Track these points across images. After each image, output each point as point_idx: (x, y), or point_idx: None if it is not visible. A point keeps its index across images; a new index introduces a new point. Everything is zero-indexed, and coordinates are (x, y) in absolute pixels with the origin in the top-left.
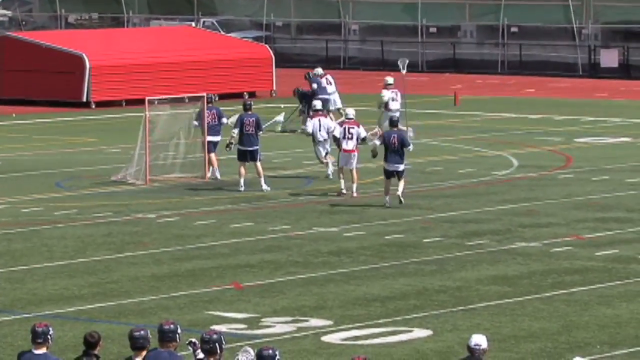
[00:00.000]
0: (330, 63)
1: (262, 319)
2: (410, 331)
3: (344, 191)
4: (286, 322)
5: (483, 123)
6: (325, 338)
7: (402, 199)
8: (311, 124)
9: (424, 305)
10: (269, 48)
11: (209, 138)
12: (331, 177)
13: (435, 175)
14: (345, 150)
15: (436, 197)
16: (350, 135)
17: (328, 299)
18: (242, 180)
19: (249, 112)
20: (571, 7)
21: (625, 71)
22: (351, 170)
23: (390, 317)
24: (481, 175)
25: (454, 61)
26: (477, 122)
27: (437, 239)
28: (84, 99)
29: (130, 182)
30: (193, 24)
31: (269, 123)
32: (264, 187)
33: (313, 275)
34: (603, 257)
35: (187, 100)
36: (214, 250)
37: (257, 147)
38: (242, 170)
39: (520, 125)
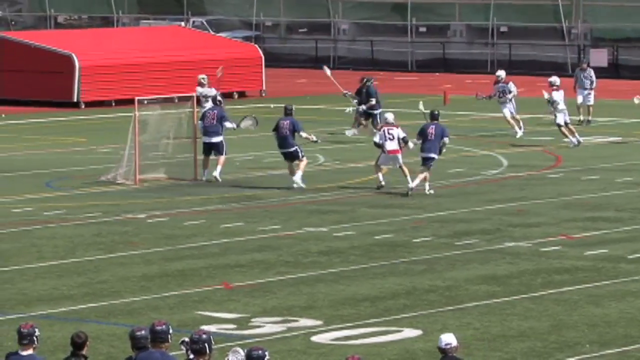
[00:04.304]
0: (320, 62)
1: (252, 319)
2: (400, 331)
3: (383, 183)
4: (276, 322)
5: (472, 123)
6: (315, 338)
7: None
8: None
9: (413, 305)
10: (258, 48)
11: (205, 139)
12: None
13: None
14: (389, 152)
15: (426, 197)
16: (391, 136)
17: (318, 299)
18: (296, 177)
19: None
20: (561, 7)
21: (614, 71)
22: (400, 167)
23: (380, 317)
24: (470, 175)
25: (443, 61)
26: (467, 121)
27: (427, 238)
28: (74, 99)
29: (120, 182)
30: (182, 23)
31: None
32: (299, 183)
33: (303, 275)
34: (592, 256)
35: (176, 101)
36: (204, 250)
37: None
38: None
39: (509, 125)
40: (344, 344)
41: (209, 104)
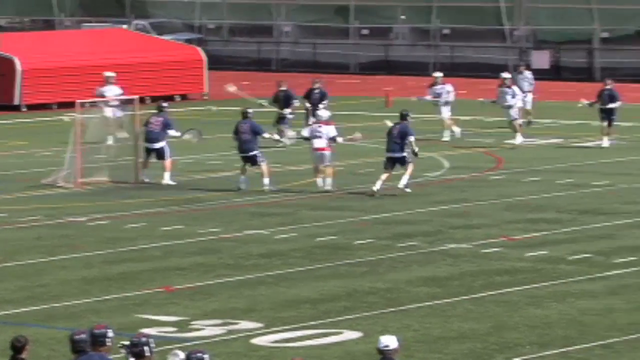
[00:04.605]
0: (263, 65)
1: (193, 322)
2: (341, 333)
3: (321, 185)
4: (216, 325)
5: (415, 124)
6: (256, 340)
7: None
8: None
9: (354, 307)
10: (201, 50)
11: (147, 144)
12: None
13: (367, 177)
14: (315, 149)
15: (368, 199)
16: (319, 134)
17: (259, 302)
18: (265, 181)
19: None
20: (503, 9)
21: (556, 73)
22: (325, 167)
23: (320, 319)
24: (413, 176)
25: (386, 63)
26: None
27: (369, 240)
28: (16, 102)
29: (60, 185)
30: (125, 26)
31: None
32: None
33: (244, 277)
34: (533, 257)
35: (118, 104)
36: (145, 253)
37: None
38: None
39: (446, 126)
40: (284, 346)
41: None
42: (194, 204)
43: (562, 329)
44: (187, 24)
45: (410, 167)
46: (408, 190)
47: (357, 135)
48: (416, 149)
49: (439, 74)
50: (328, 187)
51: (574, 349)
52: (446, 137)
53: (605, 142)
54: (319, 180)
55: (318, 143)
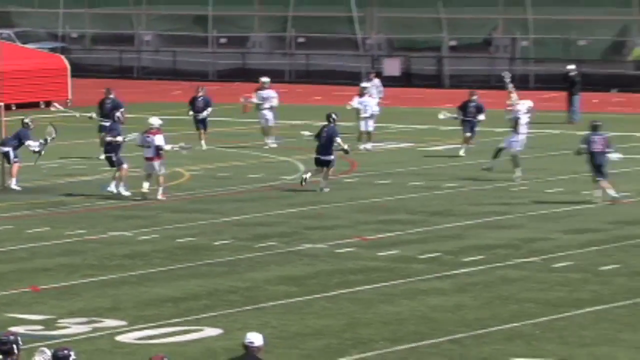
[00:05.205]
0: (125, 72)
1: (59, 320)
2: (202, 330)
3: (147, 191)
4: (82, 323)
5: (278, 130)
6: (120, 338)
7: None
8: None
9: (214, 305)
10: (64, 58)
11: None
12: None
13: (225, 181)
14: (146, 158)
15: (227, 202)
16: (148, 144)
17: (122, 300)
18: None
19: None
20: (355, 19)
21: (407, 79)
22: (157, 176)
23: (182, 317)
24: (270, 180)
25: (243, 70)
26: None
27: (228, 241)
28: None
29: None
30: None
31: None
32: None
33: (108, 277)
34: (386, 257)
35: None
36: (12, 254)
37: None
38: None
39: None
40: (147, 342)
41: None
42: (59, 207)
43: (413, 324)
44: (51, 33)
45: (331, 170)
46: (327, 190)
47: (182, 144)
48: (345, 147)
49: (266, 79)
50: (159, 197)
51: (424, 344)
52: (272, 141)
53: (463, 152)
54: (145, 184)
55: (147, 152)
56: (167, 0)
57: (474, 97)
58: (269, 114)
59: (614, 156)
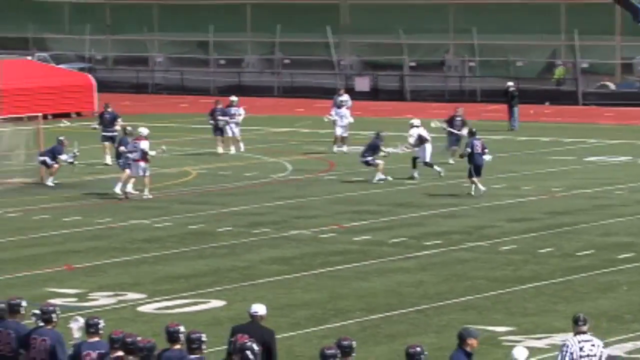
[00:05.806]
0: (140, 88)
1: (89, 294)
2: (208, 302)
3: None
4: (109, 296)
5: (263, 136)
6: (141, 308)
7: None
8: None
9: (218, 281)
10: (91, 77)
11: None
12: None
13: (225, 178)
14: (134, 161)
15: (227, 195)
16: (135, 149)
17: (142, 277)
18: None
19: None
20: (331, 44)
21: (375, 94)
22: (143, 178)
23: (192, 291)
24: (262, 177)
25: (239, 87)
26: (258, 135)
27: (229, 228)
28: None
29: None
30: (29, 57)
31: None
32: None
33: (130, 258)
34: (360, 241)
35: (26, 119)
36: (50, 239)
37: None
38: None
39: (292, 138)
40: (164, 312)
41: None
42: (89, 200)
43: (384, 297)
44: (79, 55)
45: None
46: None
47: (162, 148)
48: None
49: (234, 98)
50: (145, 196)
51: (394, 314)
52: (233, 150)
53: (452, 160)
54: (129, 186)
55: (135, 156)
56: (175, 28)
57: (459, 112)
58: (235, 129)
59: (487, 157)
